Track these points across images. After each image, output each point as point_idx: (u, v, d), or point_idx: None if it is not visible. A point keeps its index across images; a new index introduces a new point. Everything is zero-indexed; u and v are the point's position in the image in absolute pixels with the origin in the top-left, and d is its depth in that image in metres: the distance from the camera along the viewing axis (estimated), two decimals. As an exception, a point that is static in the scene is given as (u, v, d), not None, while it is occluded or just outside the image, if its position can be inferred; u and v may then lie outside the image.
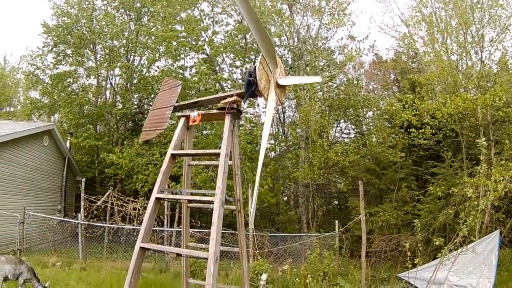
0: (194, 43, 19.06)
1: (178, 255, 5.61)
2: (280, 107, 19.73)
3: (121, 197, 16.03)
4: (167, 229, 13.40)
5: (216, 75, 18.97)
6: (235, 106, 5.45)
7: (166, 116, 6.05)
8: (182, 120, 5.78)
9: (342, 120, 19.09)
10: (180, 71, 19.92)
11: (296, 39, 19.23)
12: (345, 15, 18.86)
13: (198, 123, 5.73)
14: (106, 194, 16.14)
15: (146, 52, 22.97)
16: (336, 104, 17.81)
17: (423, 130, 14.38)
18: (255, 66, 5.26)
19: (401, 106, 15.34)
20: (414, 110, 14.39)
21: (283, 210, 18.00)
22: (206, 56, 19.76)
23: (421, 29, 16.74)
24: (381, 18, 35.58)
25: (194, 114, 5.73)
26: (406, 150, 17.03)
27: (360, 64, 20.51)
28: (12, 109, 32.06)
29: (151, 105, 24.56)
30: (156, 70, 22.57)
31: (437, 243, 7.06)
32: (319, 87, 18.00)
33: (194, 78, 18.79)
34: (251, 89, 5.42)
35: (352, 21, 19.02)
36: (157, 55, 21.73)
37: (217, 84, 19.58)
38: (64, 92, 22.83)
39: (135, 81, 22.84)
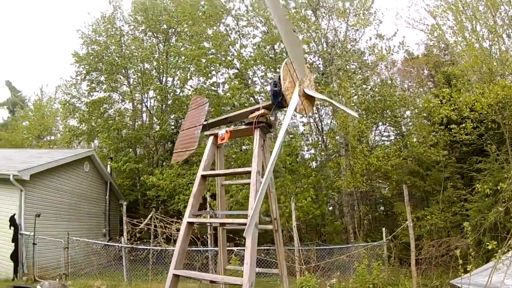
0: (223, 58, 19.52)
1: (213, 282, 5.45)
2: (316, 115, 19.70)
3: (164, 218, 16.41)
4: (211, 248, 13.49)
5: (248, 89, 19.17)
6: (263, 119, 5.32)
7: (196, 135, 6.02)
8: (211, 139, 5.71)
9: (380, 123, 18.76)
10: (213, 88, 20.32)
11: (324, 44, 19.25)
12: (370, 14, 18.74)
13: (227, 140, 5.62)
14: (149, 216, 16.54)
15: (177, 72, 23.68)
16: (372, 106, 17.62)
17: (463, 125, 14.10)
18: (279, 75, 5.18)
19: (439, 102, 14.98)
20: (452, 105, 14.15)
21: (328, 221, 17.85)
22: (237, 71, 20.17)
23: (449, 19, 16.47)
24: (407, 12, 34.79)
25: (222, 132, 5.62)
26: (449, 148, 16.70)
27: (392, 63, 20.25)
28: (52, 137, 33.44)
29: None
30: (189, 89, 23.38)
31: (489, 247, 6.88)
32: (353, 91, 17.82)
33: (227, 94, 19.10)
34: (278, 100, 5.30)
35: (379, 19, 18.86)
36: (188, 74, 22.29)
37: (251, 98, 19.79)
38: (101, 118, 23.93)
39: (169, 102, 23.55)
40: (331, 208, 18.78)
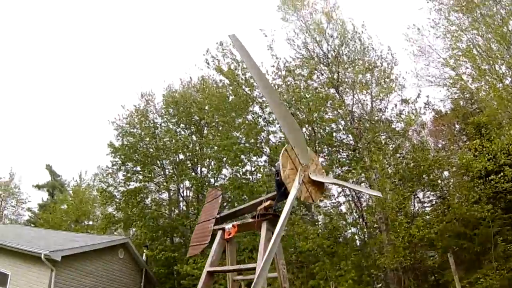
0: (252, 147, 20.17)
1: None
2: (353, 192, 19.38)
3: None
4: None
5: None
6: (269, 211, 5.35)
7: (209, 229, 6.13)
8: (219, 234, 5.74)
9: (418, 190, 18.28)
10: (245, 176, 20.79)
11: (352, 120, 19.32)
12: (392, 81, 19.05)
13: (233, 235, 5.59)
14: None
15: (212, 162, 24.29)
16: (408, 174, 17.28)
17: (502, 173, 13.65)
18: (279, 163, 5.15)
19: (472, 155, 14.54)
20: (487, 155, 13.74)
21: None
22: (267, 157, 20.46)
23: (467, 66, 16.72)
24: (427, 71, 34.91)
25: (228, 226, 5.65)
26: (492, 200, 15.89)
27: (421, 126, 20.05)
28: (90, 222, 34.28)
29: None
30: (223, 178, 24.11)
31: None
32: (386, 161, 17.65)
33: (259, 182, 19.42)
34: (281, 190, 5.32)
35: (401, 85, 19.24)
36: (220, 163, 22.80)
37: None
38: (137, 207, 24.43)
39: (205, 192, 24.00)
40: (380, 286, 17.74)
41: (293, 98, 18.66)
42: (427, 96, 19.12)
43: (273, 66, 19.25)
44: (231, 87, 21.07)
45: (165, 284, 22.53)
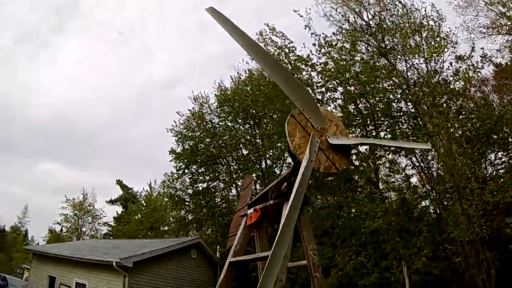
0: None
1: None
2: (422, 163, 18.47)
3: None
4: None
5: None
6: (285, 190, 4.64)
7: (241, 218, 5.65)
8: (243, 221, 5.22)
9: (488, 151, 16.86)
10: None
11: (408, 86, 18.41)
12: (442, 39, 17.91)
13: (254, 220, 4.97)
14: None
15: (275, 153, 24.55)
16: (474, 135, 16.06)
17: None
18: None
19: None
20: None
21: (454, 277, 15.86)
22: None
23: None
24: (477, 22, 31.75)
25: (250, 211, 5.07)
26: None
27: (483, 82, 18.54)
28: (166, 228, 35.80)
29: None
30: (288, 167, 23.74)
31: None
32: (449, 124, 16.53)
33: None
34: (294, 164, 4.68)
35: (452, 41, 18.00)
36: (281, 152, 23.21)
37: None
38: (206, 207, 25.35)
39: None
40: (458, 260, 16.45)
41: (341, 73, 18.13)
42: (482, 48, 17.58)
43: (315, 44, 18.86)
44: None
45: (241, 279, 22.74)
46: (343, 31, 19.68)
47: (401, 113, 18.56)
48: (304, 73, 20.52)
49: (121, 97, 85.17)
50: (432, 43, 17.68)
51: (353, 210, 17.57)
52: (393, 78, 18.20)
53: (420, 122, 17.57)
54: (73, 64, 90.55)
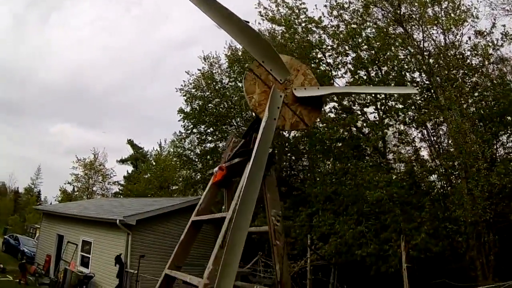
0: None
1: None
2: (432, 136, 18.06)
3: (268, 261, 16.65)
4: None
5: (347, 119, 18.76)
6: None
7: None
8: (211, 180, 4.87)
9: (500, 132, 16.34)
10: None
11: (423, 56, 17.70)
12: (462, 12, 17.12)
13: (219, 178, 4.62)
14: (254, 260, 17.32)
15: None
16: (487, 114, 15.53)
17: None
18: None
19: None
20: None
21: (453, 257, 15.80)
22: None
23: None
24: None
25: (215, 169, 4.79)
26: None
27: (502, 61, 17.72)
28: (176, 187, 36.42)
29: (301, 167, 26.29)
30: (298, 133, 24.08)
31: None
32: (462, 100, 16.01)
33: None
34: (254, 123, 4.35)
35: (473, 15, 17.12)
36: None
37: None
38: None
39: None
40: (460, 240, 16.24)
41: (351, 36, 17.50)
42: (504, 26, 16.69)
43: (326, 5, 18.19)
44: (287, 35, 20.48)
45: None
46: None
47: (415, 84, 17.96)
48: (315, 35, 20.03)
49: (134, 58, 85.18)
50: (452, 15, 16.89)
51: (357, 178, 17.39)
52: (409, 48, 17.46)
53: (433, 95, 17.04)
54: (85, 25, 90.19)
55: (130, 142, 50.40)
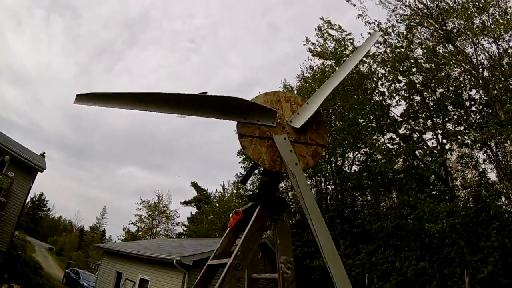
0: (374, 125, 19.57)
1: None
2: (497, 155, 16.57)
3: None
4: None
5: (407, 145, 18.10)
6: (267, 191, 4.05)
7: None
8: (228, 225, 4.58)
9: None
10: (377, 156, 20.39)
11: (476, 71, 16.66)
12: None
13: (235, 223, 4.32)
14: None
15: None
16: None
17: None
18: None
19: None
20: None
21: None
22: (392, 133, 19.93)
23: None
24: None
25: (231, 214, 4.51)
26: None
27: None
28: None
29: (364, 202, 25.59)
30: (357, 165, 24.37)
31: None
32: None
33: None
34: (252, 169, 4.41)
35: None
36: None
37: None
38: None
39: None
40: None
41: (398, 61, 17.03)
42: None
43: (370, 33, 17.92)
44: (337, 68, 20.47)
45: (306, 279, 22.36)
46: (400, 16, 18.32)
47: (472, 102, 16.84)
48: (365, 65, 19.81)
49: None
50: (501, 20, 15.80)
51: (417, 210, 16.27)
52: (463, 64, 16.54)
53: (492, 111, 15.77)
54: (149, 73, 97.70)
55: (194, 185, 52.28)
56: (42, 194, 75.98)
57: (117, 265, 21.29)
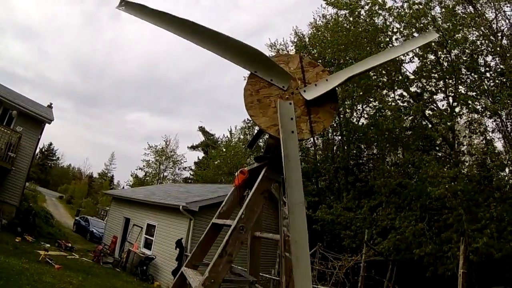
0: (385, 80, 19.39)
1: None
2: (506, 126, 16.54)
3: (326, 253, 16.45)
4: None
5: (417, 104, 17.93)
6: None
7: None
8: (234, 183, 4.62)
9: None
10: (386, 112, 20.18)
11: (495, 37, 16.22)
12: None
13: (240, 183, 4.34)
14: (312, 250, 16.94)
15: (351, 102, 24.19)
16: None
17: None
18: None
19: None
20: None
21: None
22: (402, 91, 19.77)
23: None
24: None
25: (237, 173, 4.50)
26: None
27: None
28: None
29: (370, 156, 25.88)
30: (365, 118, 24.54)
31: None
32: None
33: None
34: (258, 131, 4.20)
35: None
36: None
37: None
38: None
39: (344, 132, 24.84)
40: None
41: (415, 18, 16.53)
42: None
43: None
44: (351, 18, 20.05)
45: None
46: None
47: (487, 68, 16.53)
48: (380, 17, 19.28)
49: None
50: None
51: (421, 172, 16.55)
52: (481, 28, 16.06)
53: (505, 80, 15.58)
54: None
55: (202, 129, 52.88)
56: (51, 144, 78.11)
57: (125, 211, 22.11)
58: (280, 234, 3.98)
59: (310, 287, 3.19)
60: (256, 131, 4.74)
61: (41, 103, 24.43)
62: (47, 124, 21.15)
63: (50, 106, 24.08)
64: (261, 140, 25.64)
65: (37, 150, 30.70)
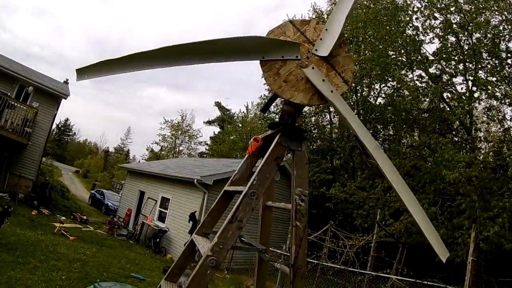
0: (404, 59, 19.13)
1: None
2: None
3: (339, 232, 16.69)
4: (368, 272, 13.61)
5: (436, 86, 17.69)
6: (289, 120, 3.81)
7: None
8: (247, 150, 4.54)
9: None
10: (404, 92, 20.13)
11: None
12: None
13: (253, 151, 4.28)
14: (323, 229, 16.95)
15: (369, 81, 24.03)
16: None
17: None
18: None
19: None
20: None
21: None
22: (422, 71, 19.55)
23: None
24: None
25: (251, 140, 4.41)
26: None
27: None
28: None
29: (386, 137, 25.69)
30: (383, 97, 24.28)
31: None
32: None
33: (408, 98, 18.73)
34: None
35: None
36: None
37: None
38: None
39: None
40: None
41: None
42: None
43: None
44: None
45: (321, 206, 23.04)
46: None
47: (509, 54, 16.13)
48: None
49: (224, 22, 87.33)
50: None
51: (436, 155, 16.43)
52: (505, 13, 15.59)
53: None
54: None
55: (218, 104, 53.27)
56: (67, 120, 79.57)
57: (140, 184, 22.62)
58: (292, 203, 3.85)
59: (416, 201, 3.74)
60: (270, 95, 4.64)
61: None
62: (63, 100, 21.56)
63: (66, 82, 24.46)
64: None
65: (54, 126, 31.31)
